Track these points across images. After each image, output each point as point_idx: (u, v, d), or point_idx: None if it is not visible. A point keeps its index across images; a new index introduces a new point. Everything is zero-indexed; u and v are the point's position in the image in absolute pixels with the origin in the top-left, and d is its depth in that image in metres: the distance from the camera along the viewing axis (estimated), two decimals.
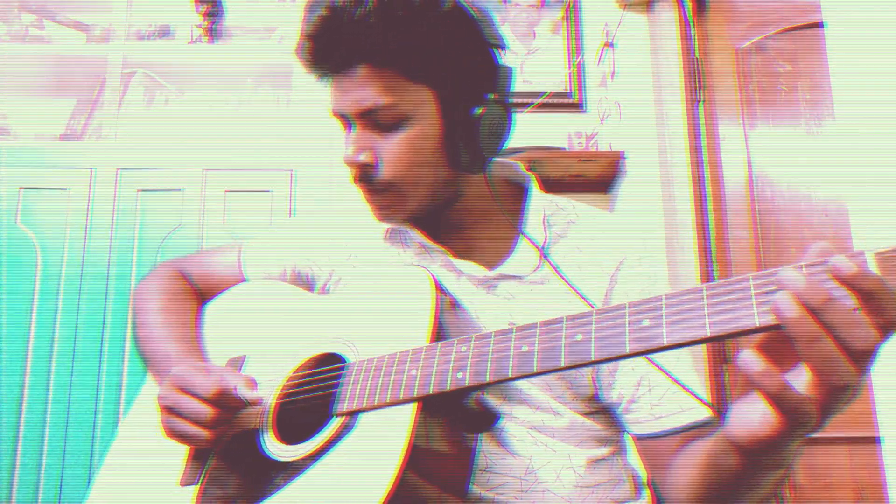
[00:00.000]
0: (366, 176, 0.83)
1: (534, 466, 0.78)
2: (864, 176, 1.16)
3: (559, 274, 0.81)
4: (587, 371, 0.82)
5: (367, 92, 0.79)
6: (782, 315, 0.46)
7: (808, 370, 0.47)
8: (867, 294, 0.45)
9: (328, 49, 0.80)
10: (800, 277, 0.46)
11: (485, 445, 0.78)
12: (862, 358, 0.46)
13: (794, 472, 1.76)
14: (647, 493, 0.87)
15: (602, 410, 0.84)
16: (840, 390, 0.46)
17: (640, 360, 0.81)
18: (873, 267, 0.46)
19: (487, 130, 0.82)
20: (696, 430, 0.78)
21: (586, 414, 0.83)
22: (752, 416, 0.51)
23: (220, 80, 2.30)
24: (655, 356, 0.66)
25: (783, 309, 0.46)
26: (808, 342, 0.45)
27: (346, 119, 0.83)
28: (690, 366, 0.82)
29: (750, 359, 0.47)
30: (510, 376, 0.60)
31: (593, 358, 0.56)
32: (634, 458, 0.88)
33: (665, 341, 0.52)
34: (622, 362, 0.81)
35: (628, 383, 0.81)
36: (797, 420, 0.47)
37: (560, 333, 0.59)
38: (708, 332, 0.50)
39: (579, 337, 0.57)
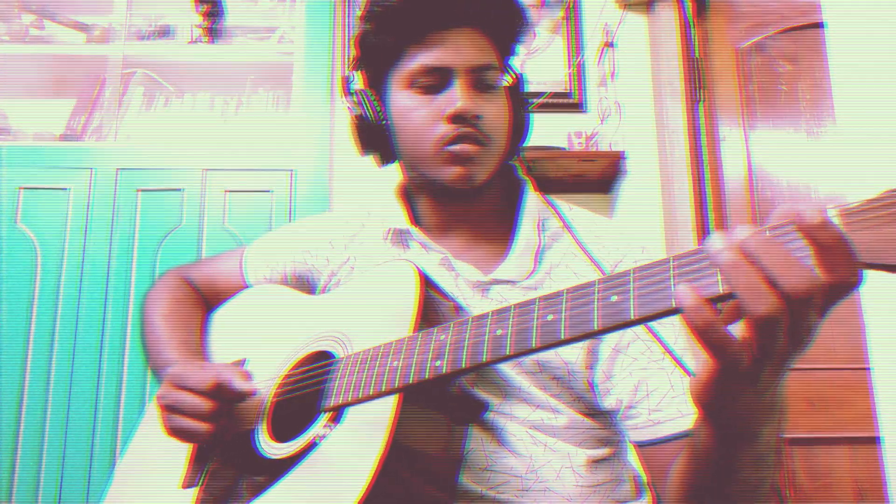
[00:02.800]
0: (474, 126, 0.84)
1: (534, 465, 0.78)
2: (864, 176, 1.16)
3: (581, 246, 0.83)
4: (582, 375, 0.81)
5: (480, 51, 0.86)
6: (707, 249, 0.47)
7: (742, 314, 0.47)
8: (825, 247, 0.44)
9: (448, 3, 0.85)
10: (734, 229, 0.47)
11: (485, 444, 0.78)
12: (797, 302, 0.45)
13: (794, 471, 1.76)
14: (648, 493, 0.87)
15: (601, 412, 0.84)
16: (767, 326, 0.45)
17: (637, 363, 0.80)
18: (837, 223, 0.45)
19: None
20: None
21: (586, 413, 0.83)
22: (698, 366, 0.51)
23: (220, 80, 2.30)
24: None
25: (710, 243, 0.47)
26: (729, 270, 0.46)
27: (445, 75, 0.85)
28: (684, 350, 0.82)
29: (684, 292, 0.47)
30: (485, 361, 0.60)
31: (563, 337, 0.55)
32: (635, 459, 0.88)
33: (632, 316, 0.51)
34: (617, 367, 0.81)
35: (626, 388, 0.80)
36: (724, 359, 0.47)
37: (532, 315, 0.58)
38: (673, 304, 0.49)
39: (550, 317, 0.56)
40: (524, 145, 0.93)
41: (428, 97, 0.85)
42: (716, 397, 0.51)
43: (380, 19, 0.87)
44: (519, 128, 0.91)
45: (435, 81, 0.85)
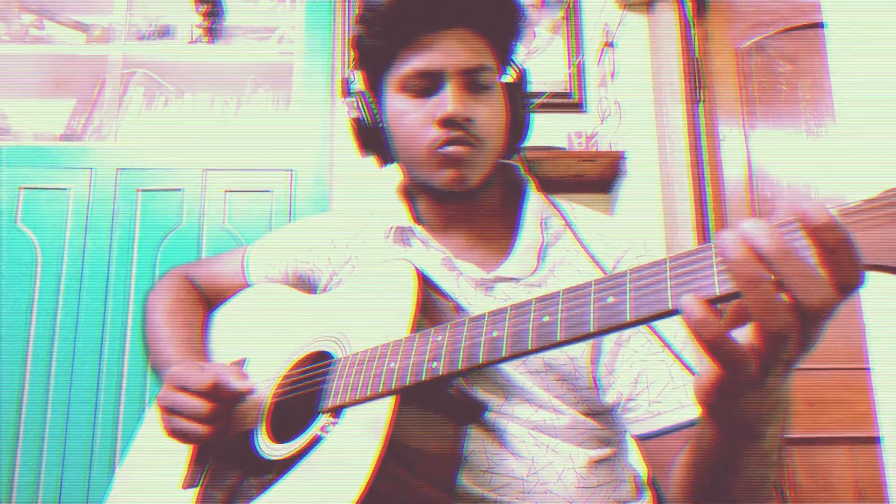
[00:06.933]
0: (465, 129, 0.84)
1: (536, 467, 0.78)
2: (864, 176, 1.16)
3: (582, 245, 0.83)
4: (586, 371, 0.82)
5: (472, 53, 0.85)
6: (726, 254, 0.45)
7: (751, 317, 0.46)
8: (829, 248, 0.43)
9: (438, 5, 0.84)
10: (762, 225, 0.45)
11: (486, 446, 0.78)
12: (812, 316, 0.44)
13: (794, 471, 1.76)
14: (648, 493, 0.87)
15: (604, 411, 0.84)
16: (779, 339, 0.45)
17: (637, 355, 0.80)
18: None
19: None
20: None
21: (588, 414, 0.83)
22: (701, 368, 0.50)
23: (220, 80, 2.30)
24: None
25: (728, 249, 0.45)
26: (747, 283, 0.44)
27: (436, 78, 0.84)
28: (684, 343, 0.81)
29: (691, 305, 0.46)
30: (481, 363, 0.59)
31: (559, 339, 0.54)
32: (635, 459, 0.88)
33: (628, 317, 0.50)
34: (619, 360, 0.81)
35: (626, 380, 0.80)
36: (732, 369, 0.47)
37: (528, 316, 0.57)
38: (670, 306, 0.48)
39: (546, 318, 0.56)
40: (524, 144, 0.93)
41: (420, 100, 0.85)
42: (720, 400, 0.51)
43: (371, 23, 0.87)
44: (517, 126, 0.91)
45: (427, 84, 0.85)
